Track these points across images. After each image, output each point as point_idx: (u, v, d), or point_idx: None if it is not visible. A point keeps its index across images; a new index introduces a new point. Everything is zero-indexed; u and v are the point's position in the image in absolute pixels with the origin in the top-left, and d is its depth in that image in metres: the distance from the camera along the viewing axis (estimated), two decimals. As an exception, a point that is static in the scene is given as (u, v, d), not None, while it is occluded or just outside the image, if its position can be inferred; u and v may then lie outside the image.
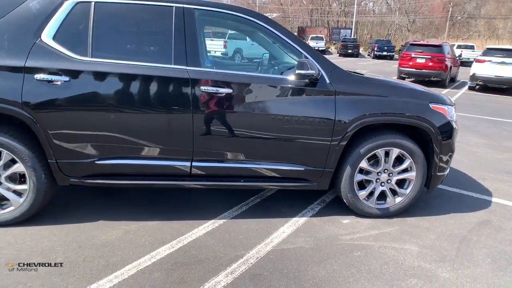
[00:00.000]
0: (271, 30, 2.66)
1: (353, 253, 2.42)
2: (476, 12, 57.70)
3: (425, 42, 16.14)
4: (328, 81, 2.62)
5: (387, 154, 2.78)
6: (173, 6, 2.52)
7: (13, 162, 2.46)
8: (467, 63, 21.85)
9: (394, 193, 2.90)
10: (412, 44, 14.98)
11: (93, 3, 2.44)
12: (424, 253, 2.45)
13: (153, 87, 2.46)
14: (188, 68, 2.47)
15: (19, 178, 2.55)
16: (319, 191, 3.28)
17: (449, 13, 52.46)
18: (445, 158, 2.86)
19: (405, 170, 2.85)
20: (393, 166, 2.83)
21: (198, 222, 2.74)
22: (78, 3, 2.43)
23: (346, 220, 2.88)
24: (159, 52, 2.58)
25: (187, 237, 2.53)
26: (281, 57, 3.04)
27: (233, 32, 11.87)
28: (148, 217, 2.78)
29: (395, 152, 2.77)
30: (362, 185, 2.88)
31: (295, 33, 29.56)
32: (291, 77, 2.59)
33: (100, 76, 2.42)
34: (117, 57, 2.49)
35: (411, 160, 2.80)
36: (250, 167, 2.70)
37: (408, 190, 2.88)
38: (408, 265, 2.31)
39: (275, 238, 2.57)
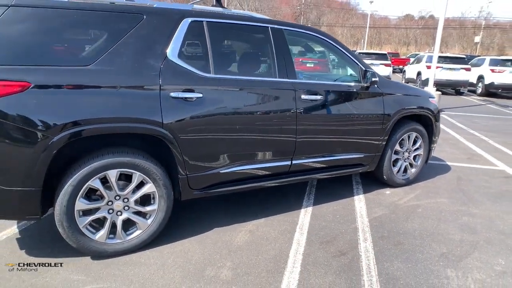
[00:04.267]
0: (335, 45, 3.29)
1: (417, 210, 3.31)
2: (317, 21, 68.65)
3: (310, 48, 18.84)
4: (376, 85, 3.42)
5: (409, 137, 3.78)
6: (268, 26, 2.88)
7: (140, 184, 2.40)
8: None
9: (411, 166, 3.94)
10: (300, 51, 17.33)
11: (204, 21, 2.59)
12: (452, 202, 3.54)
13: (269, 99, 2.79)
14: (290, 80, 2.88)
15: (140, 200, 2.48)
16: (347, 176, 4.06)
17: (301, 21, 60.58)
18: (436, 137, 4.06)
19: (417, 148, 3.91)
20: (412, 145, 3.85)
21: (292, 213, 3.16)
22: (192, 21, 2.54)
23: (387, 191, 3.76)
24: (265, 67, 2.89)
25: (303, 225, 2.95)
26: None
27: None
28: (249, 217, 3.03)
29: (413, 135, 3.80)
30: (393, 163, 3.80)
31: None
32: (357, 83, 3.29)
33: (226, 90, 2.60)
34: (232, 73, 2.71)
35: (422, 140, 3.88)
36: (330, 159, 3.27)
37: (419, 162, 3.97)
38: (453, 210, 3.34)
39: (362, 211, 3.23)
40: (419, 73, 14.94)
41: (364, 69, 3.29)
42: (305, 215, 3.13)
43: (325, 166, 3.28)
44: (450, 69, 13.30)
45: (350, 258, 2.48)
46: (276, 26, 2.91)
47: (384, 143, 3.55)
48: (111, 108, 2.18)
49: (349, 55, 3.35)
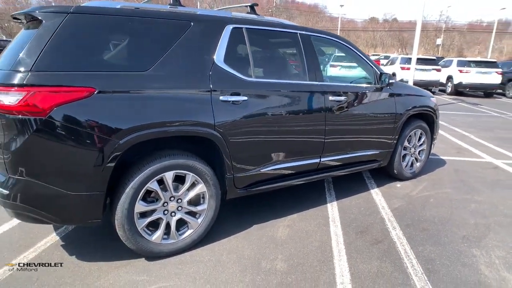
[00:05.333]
0: (353, 50, 3.53)
1: (430, 200, 3.61)
2: (288, 24, 69.91)
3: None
4: (389, 87, 3.69)
5: (415, 134, 4.10)
6: (297, 33, 3.06)
7: (192, 184, 2.49)
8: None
9: (416, 160, 4.25)
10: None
11: (244, 28, 2.73)
12: (457, 191, 3.88)
13: (303, 101, 2.96)
14: (319, 83, 3.07)
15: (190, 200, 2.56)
16: (357, 172, 4.31)
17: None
18: (437, 133, 4.41)
19: (421, 144, 4.24)
20: (417, 141, 4.17)
21: (321, 208, 3.35)
22: (234, 28, 2.67)
23: (398, 184, 4.05)
24: (297, 71, 3.06)
25: (334, 218, 3.14)
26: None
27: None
28: (281, 214, 3.19)
29: (419, 132, 4.12)
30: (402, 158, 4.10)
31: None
32: (373, 85, 3.53)
33: (266, 93, 2.74)
34: (269, 76, 2.87)
35: (425, 136, 4.21)
36: (352, 156, 3.49)
37: (423, 157, 4.30)
38: (460, 199, 3.67)
39: (382, 203, 3.48)
40: (393, 74, 15.71)
41: (379, 72, 3.55)
42: (332, 209, 3.33)
43: (347, 163, 3.50)
44: (423, 70, 14.13)
45: (387, 245, 2.70)
46: (304, 32, 3.10)
47: (396, 140, 3.83)
48: (170, 112, 2.27)
49: (365, 59, 3.60)
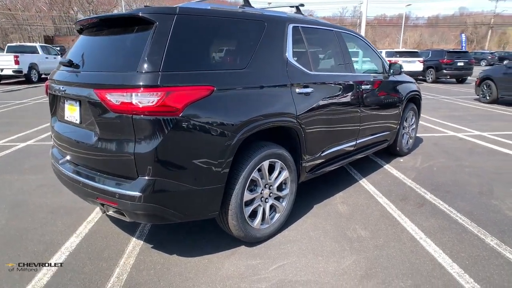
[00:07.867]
0: (367, 44, 4.01)
1: (434, 169, 4.29)
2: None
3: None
4: (396, 75, 4.27)
5: (409, 115, 4.78)
6: (333, 30, 3.42)
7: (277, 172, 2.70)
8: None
9: (410, 138, 4.95)
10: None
11: (300, 27, 3.00)
12: (448, 160, 4.65)
13: (348, 90, 3.34)
14: (354, 74, 3.49)
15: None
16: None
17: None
18: (420, 114, 5.17)
19: (413, 124, 4.95)
20: (411, 121, 4.87)
21: (357, 184, 3.80)
22: (293, 26, 2.92)
23: (401, 159, 4.70)
24: (338, 64, 3.41)
25: (375, 192, 3.60)
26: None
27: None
28: (326, 195, 3.54)
29: (411, 113, 4.82)
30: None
31: (40, 43, 28.81)
32: (382, 74, 4.06)
33: (324, 84, 3.06)
34: (322, 70, 3.18)
35: (415, 116, 4.93)
36: (373, 138, 3.99)
37: (414, 134, 5.02)
38: (454, 165, 4.43)
39: (401, 175, 4.06)
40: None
41: (387, 63, 4.10)
42: (367, 185, 3.79)
43: (370, 143, 3.99)
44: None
45: (430, 206, 3.24)
46: (336, 30, 3.47)
47: (399, 120, 4.44)
48: (270, 105, 2.46)
49: (376, 52, 4.11)
